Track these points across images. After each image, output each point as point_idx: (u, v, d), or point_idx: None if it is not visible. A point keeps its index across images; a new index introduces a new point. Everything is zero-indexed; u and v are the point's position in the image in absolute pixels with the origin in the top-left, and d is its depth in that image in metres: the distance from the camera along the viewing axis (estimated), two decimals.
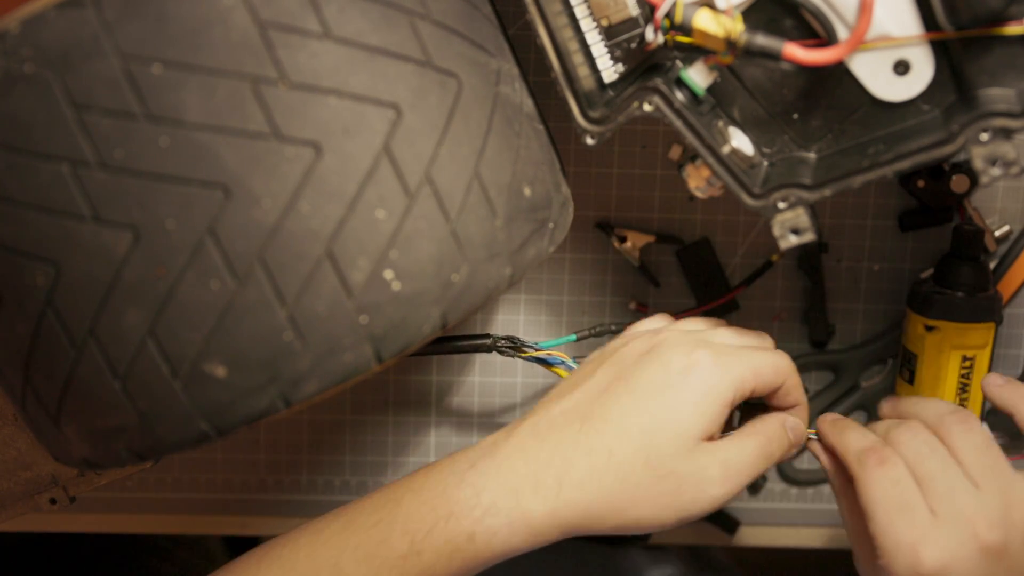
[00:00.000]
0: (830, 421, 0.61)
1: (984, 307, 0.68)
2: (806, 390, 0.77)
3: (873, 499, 0.54)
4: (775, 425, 0.58)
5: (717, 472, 0.53)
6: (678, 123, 0.55)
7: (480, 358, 0.76)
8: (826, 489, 0.78)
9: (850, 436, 0.58)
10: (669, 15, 0.51)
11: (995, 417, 0.75)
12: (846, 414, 0.76)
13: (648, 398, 0.54)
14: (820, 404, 0.77)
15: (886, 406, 0.64)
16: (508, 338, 0.61)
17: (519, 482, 0.53)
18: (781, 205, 0.55)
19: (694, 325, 0.62)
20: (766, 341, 0.62)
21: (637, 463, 0.53)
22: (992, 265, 0.73)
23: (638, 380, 0.55)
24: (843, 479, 0.58)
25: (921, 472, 0.54)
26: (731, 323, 0.75)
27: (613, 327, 0.70)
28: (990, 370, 0.71)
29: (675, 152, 0.58)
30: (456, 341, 0.60)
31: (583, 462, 0.53)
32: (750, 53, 0.51)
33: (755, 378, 0.56)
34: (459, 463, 0.54)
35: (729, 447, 0.55)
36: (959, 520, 0.53)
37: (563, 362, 0.62)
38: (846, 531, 0.59)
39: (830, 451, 0.60)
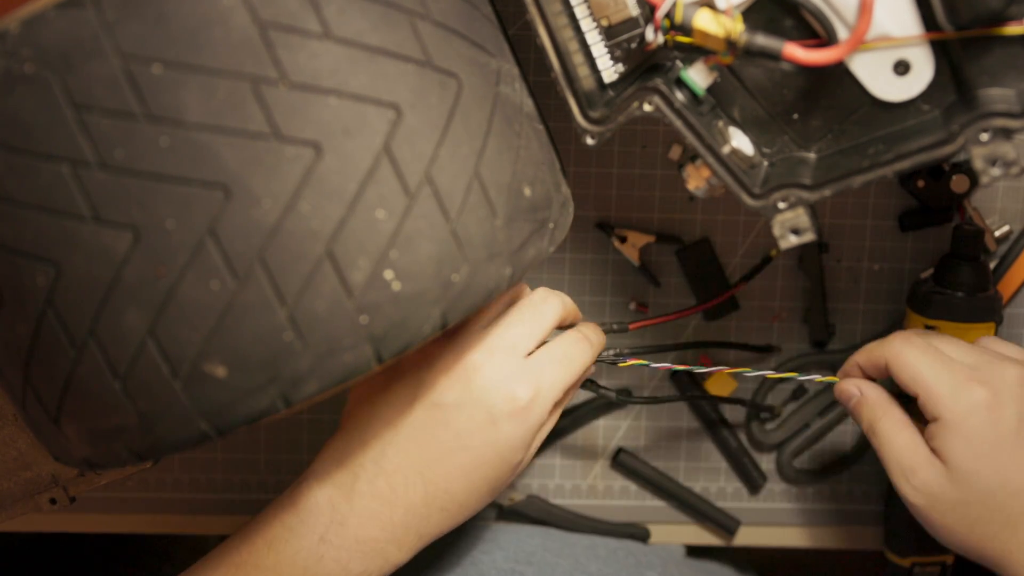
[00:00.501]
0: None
1: (984, 307, 0.68)
2: (805, 389, 0.77)
3: (916, 364, 0.57)
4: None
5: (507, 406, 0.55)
6: (678, 123, 0.55)
7: None
8: (826, 489, 0.78)
9: (894, 337, 0.61)
10: (669, 15, 0.51)
11: None
12: (846, 414, 0.76)
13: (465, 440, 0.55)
14: (820, 404, 0.77)
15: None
16: None
17: (383, 546, 0.54)
18: (781, 205, 0.55)
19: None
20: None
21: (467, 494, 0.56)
22: (992, 265, 0.73)
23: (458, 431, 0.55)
24: (880, 403, 0.60)
25: (967, 357, 0.58)
26: (731, 323, 0.75)
27: (615, 326, 0.70)
28: None
29: (675, 152, 0.58)
30: None
31: (437, 516, 0.55)
32: (750, 53, 0.51)
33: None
34: (302, 537, 0.54)
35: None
36: (994, 364, 0.57)
37: None
38: (890, 454, 0.59)
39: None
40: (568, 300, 0.60)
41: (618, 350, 0.70)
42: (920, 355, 0.57)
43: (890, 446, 0.58)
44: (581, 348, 0.59)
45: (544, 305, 0.58)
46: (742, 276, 0.74)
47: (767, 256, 0.73)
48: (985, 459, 0.55)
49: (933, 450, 0.57)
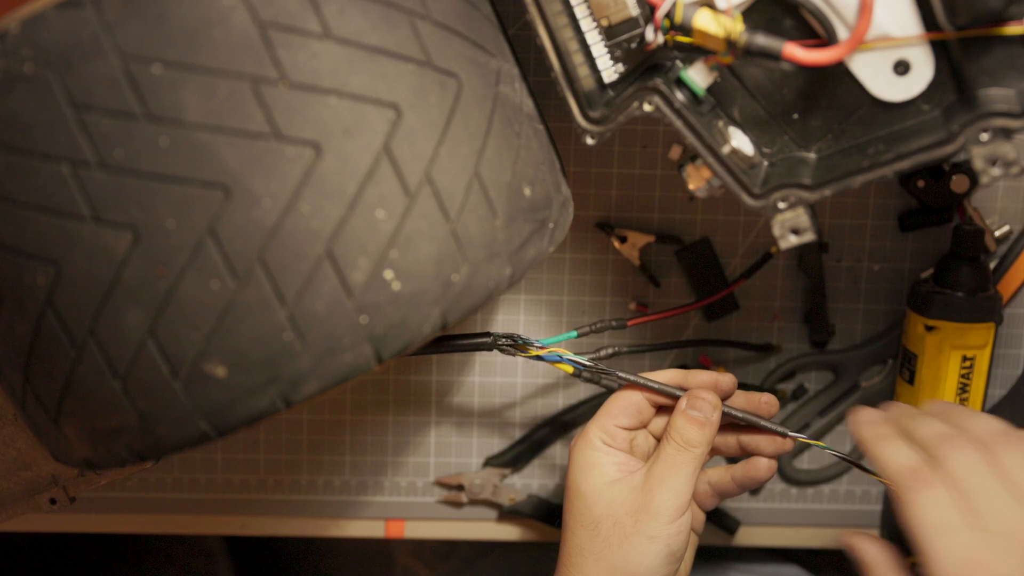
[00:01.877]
0: (865, 424, 0.57)
1: (984, 307, 0.68)
2: (805, 389, 0.77)
3: (918, 520, 0.51)
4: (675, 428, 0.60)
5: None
6: (678, 123, 0.55)
7: (480, 358, 0.76)
8: (826, 489, 0.78)
9: (890, 451, 0.55)
10: (669, 15, 0.51)
11: (999, 414, 0.75)
12: (845, 414, 0.76)
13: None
14: (820, 404, 0.77)
15: (934, 407, 0.59)
16: (508, 336, 0.61)
17: None
18: (781, 205, 0.55)
19: None
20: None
21: None
22: (992, 265, 0.73)
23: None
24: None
25: (968, 488, 0.52)
26: (731, 323, 0.75)
27: (613, 323, 0.70)
28: (990, 370, 0.71)
29: (675, 152, 0.58)
30: (456, 340, 0.60)
31: None
32: (750, 53, 0.51)
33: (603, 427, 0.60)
34: None
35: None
36: (1009, 536, 0.50)
37: (564, 358, 0.62)
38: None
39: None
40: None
41: (616, 348, 0.70)
42: (926, 514, 0.51)
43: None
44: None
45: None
46: (742, 273, 0.73)
47: (767, 253, 0.73)
48: None
49: None
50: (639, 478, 0.59)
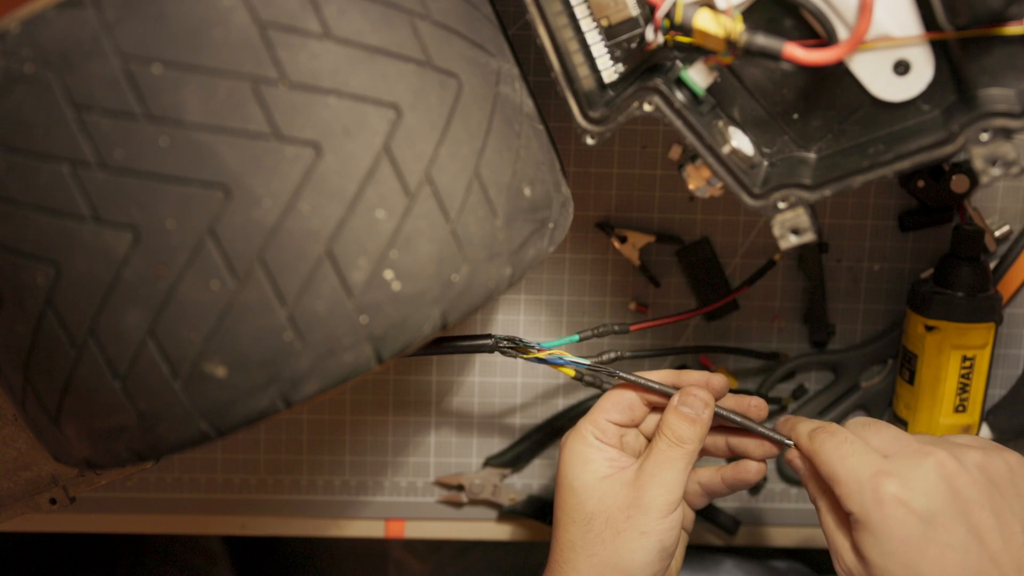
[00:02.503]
0: (782, 420, 0.61)
1: (984, 307, 0.68)
2: (805, 389, 0.77)
3: (829, 458, 0.55)
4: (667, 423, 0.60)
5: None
6: (678, 123, 0.55)
7: (480, 358, 0.76)
8: None
9: (802, 423, 0.60)
10: (669, 15, 0.51)
11: (994, 417, 0.75)
12: (846, 414, 0.76)
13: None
14: (820, 404, 0.77)
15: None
16: (510, 338, 0.61)
17: None
18: (781, 205, 0.55)
19: None
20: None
21: None
22: (992, 265, 0.73)
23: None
24: (818, 482, 0.58)
25: (866, 434, 0.57)
26: (731, 324, 0.75)
27: (616, 327, 0.70)
28: (990, 370, 0.71)
29: (675, 152, 0.58)
30: (457, 341, 0.60)
31: None
32: (750, 53, 0.51)
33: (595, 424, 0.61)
34: None
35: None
36: (913, 454, 0.54)
37: (565, 361, 0.62)
38: (828, 540, 0.57)
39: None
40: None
41: (618, 352, 0.70)
42: (835, 450, 0.55)
43: (825, 526, 0.57)
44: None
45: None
46: (744, 280, 0.73)
47: (770, 260, 0.73)
48: (893, 556, 0.52)
49: (853, 542, 0.55)
50: (631, 474, 0.59)
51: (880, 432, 0.57)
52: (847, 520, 0.55)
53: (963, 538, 0.52)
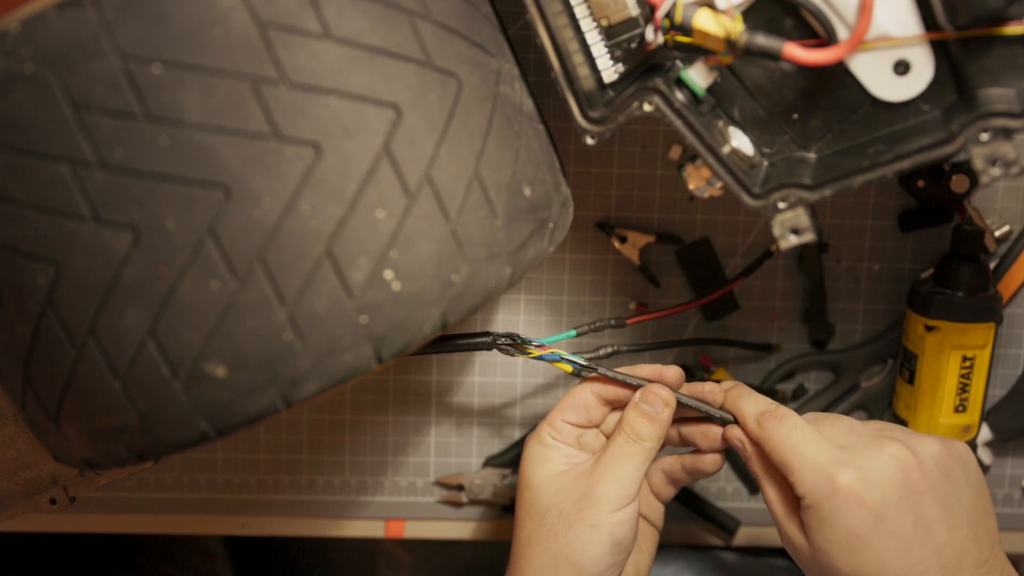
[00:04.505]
0: (726, 389, 0.61)
1: (984, 307, 0.68)
2: (805, 389, 0.77)
3: (780, 446, 0.56)
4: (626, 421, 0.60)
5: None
6: (678, 123, 0.55)
7: (480, 358, 0.76)
8: None
9: (747, 402, 0.60)
10: (669, 15, 0.51)
11: (994, 417, 0.75)
12: (846, 414, 0.76)
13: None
14: (820, 404, 0.77)
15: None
16: (508, 336, 0.61)
17: None
18: (781, 205, 0.55)
19: None
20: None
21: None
22: (992, 265, 0.73)
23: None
24: (764, 463, 0.58)
25: (816, 419, 0.58)
26: (731, 323, 0.75)
27: (612, 322, 0.70)
28: (990, 370, 0.71)
29: (675, 152, 0.58)
30: (456, 340, 0.60)
31: None
32: (750, 53, 0.51)
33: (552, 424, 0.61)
34: None
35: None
36: (869, 445, 0.55)
37: (562, 358, 0.62)
38: (773, 515, 0.58)
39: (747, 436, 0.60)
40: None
41: (615, 347, 0.70)
42: (785, 438, 0.56)
43: (769, 503, 0.58)
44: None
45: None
46: (741, 271, 0.73)
47: (767, 251, 0.73)
48: (838, 544, 0.53)
49: (800, 522, 0.56)
50: (586, 468, 0.60)
51: (834, 425, 0.57)
52: (795, 500, 0.55)
53: (910, 530, 0.53)
